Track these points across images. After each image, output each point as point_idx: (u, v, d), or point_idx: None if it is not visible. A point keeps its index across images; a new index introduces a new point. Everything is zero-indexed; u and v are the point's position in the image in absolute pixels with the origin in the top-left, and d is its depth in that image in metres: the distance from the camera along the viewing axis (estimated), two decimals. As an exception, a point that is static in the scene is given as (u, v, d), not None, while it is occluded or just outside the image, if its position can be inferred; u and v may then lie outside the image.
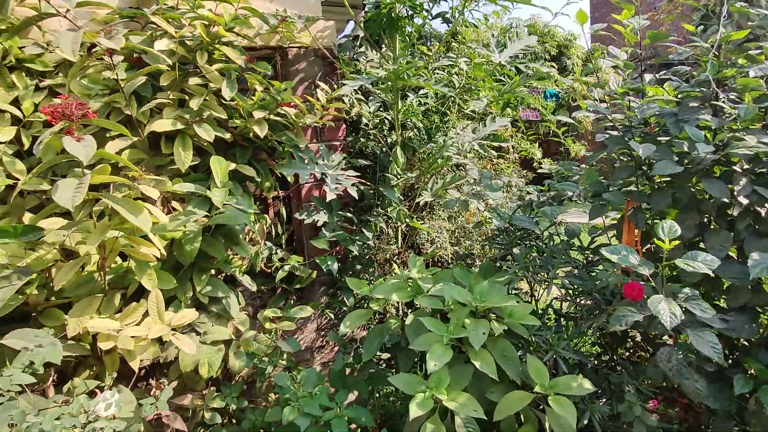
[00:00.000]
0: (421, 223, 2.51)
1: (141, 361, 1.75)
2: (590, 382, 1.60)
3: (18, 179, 1.71)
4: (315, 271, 2.46)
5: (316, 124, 2.32)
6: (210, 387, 2.06)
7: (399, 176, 2.33)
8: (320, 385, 1.92)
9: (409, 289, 1.99)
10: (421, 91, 2.49)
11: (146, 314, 1.73)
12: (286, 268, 2.22)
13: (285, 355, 2.13)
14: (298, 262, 2.26)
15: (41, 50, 1.82)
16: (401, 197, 2.65)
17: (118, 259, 1.80)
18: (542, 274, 1.90)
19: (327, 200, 1.93)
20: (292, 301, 2.48)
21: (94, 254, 1.71)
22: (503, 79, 2.90)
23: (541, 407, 1.66)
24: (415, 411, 1.49)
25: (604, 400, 1.77)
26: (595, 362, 2.13)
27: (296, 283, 2.42)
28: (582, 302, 1.92)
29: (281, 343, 2.03)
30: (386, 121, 2.61)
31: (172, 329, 1.74)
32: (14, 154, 1.74)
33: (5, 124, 1.73)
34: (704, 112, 1.80)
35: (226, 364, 2.00)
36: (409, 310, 2.62)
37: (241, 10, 2.06)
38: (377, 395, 2.54)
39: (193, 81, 1.93)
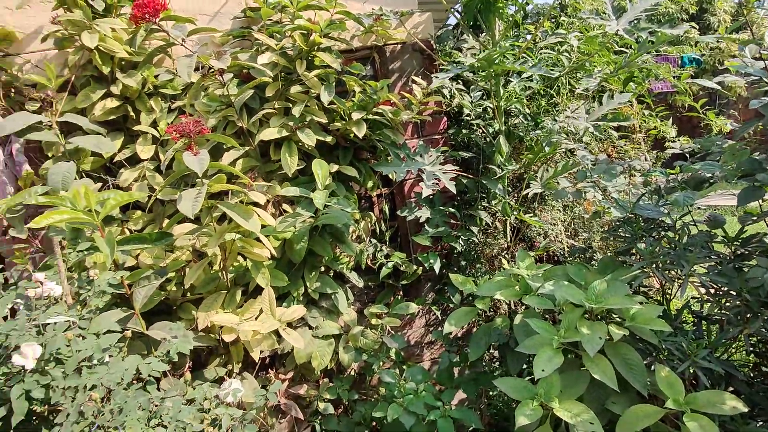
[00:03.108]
0: (532, 216, 2.35)
1: (261, 352, 1.91)
2: (741, 400, 1.34)
3: (158, 190, 1.97)
4: (420, 268, 2.45)
5: (416, 120, 2.29)
6: (324, 378, 2.17)
7: (503, 167, 2.19)
8: (426, 383, 1.90)
9: (516, 287, 1.88)
10: (526, 74, 2.32)
11: (262, 310, 1.88)
12: (390, 264, 2.24)
13: (393, 351, 2.15)
14: (401, 258, 2.26)
15: (171, 76, 2.07)
16: (509, 189, 2.50)
17: (240, 259, 1.98)
18: (675, 270, 1.65)
19: (424, 196, 1.89)
20: (398, 297, 2.50)
21: (220, 255, 1.91)
22: (625, 50, 2.57)
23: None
24: (522, 420, 1.40)
25: (761, 421, 1.48)
26: (751, 374, 1.79)
27: (402, 279, 2.43)
28: (728, 304, 1.62)
29: (387, 339, 2.06)
30: (489, 109, 2.48)
31: (287, 323, 1.86)
32: (155, 169, 2.01)
33: (147, 144, 2.00)
34: None
35: (339, 358, 2.09)
36: (522, 308, 2.47)
37: (336, 15, 2.12)
38: (488, 394, 2.45)
39: (295, 89, 2.03)
